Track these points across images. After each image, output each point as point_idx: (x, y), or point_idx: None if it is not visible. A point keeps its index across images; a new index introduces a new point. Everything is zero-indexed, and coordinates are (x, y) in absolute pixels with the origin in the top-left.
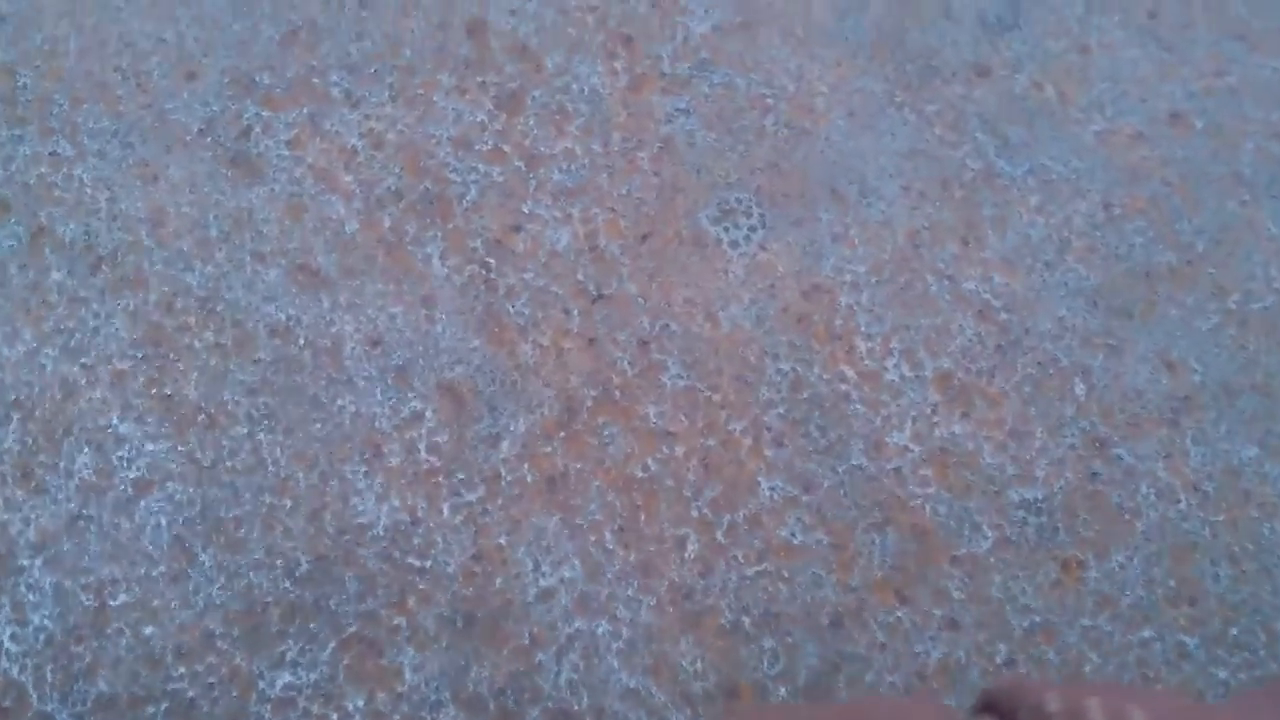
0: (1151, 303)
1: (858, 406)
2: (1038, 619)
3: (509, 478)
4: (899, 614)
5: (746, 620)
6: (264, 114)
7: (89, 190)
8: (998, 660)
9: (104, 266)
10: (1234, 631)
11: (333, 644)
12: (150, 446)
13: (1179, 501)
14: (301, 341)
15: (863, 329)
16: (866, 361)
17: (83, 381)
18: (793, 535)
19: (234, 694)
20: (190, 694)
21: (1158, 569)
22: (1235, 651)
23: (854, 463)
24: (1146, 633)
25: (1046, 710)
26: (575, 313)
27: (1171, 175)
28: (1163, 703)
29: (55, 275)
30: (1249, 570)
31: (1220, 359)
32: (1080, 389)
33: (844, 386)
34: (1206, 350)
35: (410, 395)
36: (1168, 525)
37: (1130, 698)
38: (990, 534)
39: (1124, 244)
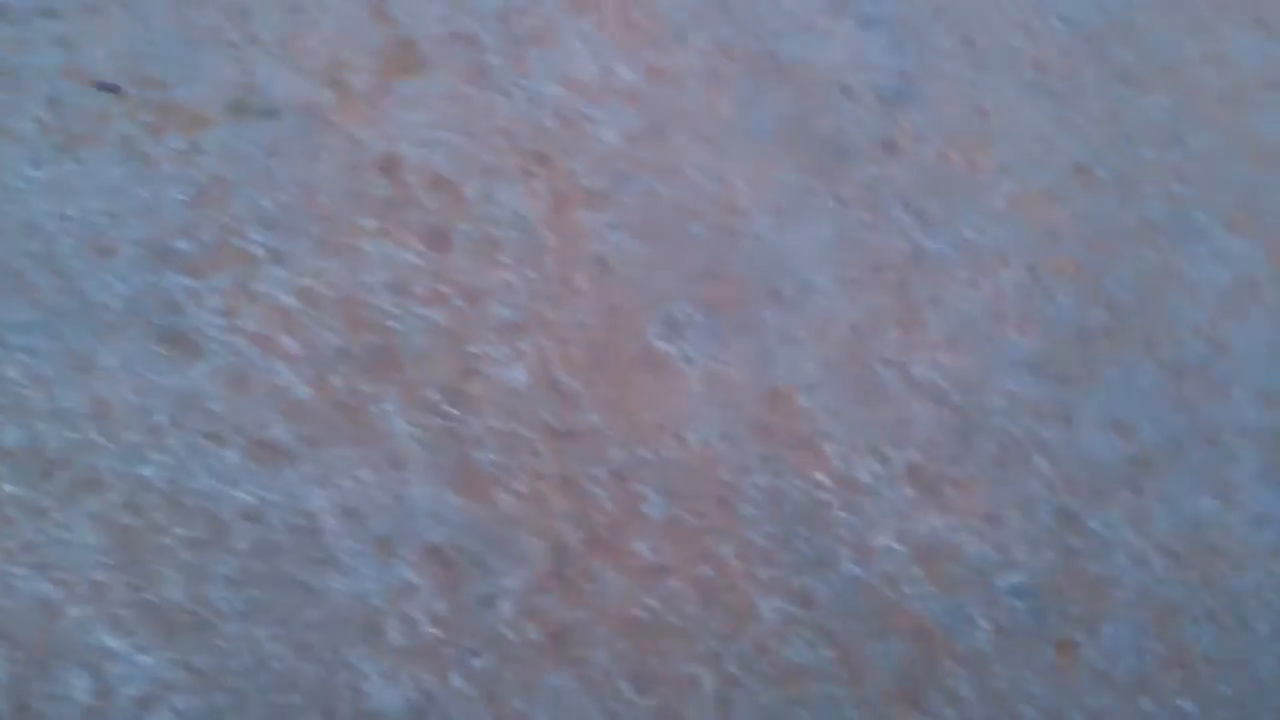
0: (1090, 367)
1: (838, 513)
2: (1044, 705)
3: (514, 639)
4: None
5: None
6: (188, 283)
7: (24, 391)
8: None
9: (55, 471)
10: (1225, 689)
11: None
12: (144, 659)
13: (1152, 566)
14: (276, 522)
15: (827, 430)
16: (837, 464)
17: (60, 598)
18: (798, 656)
19: None
20: None
21: (1146, 637)
22: (1230, 709)
23: (845, 572)
24: (1145, 704)
25: None
26: (545, 453)
27: (1086, 230)
28: None
29: (7, 488)
30: (1228, 625)
31: (1165, 414)
32: (1042, 463)
33: (821, 494)
34: (1150, 406)
35: (398, 565)
36: (1147, 591)
37: None
38: (986, 625)
39: (1054, 307)
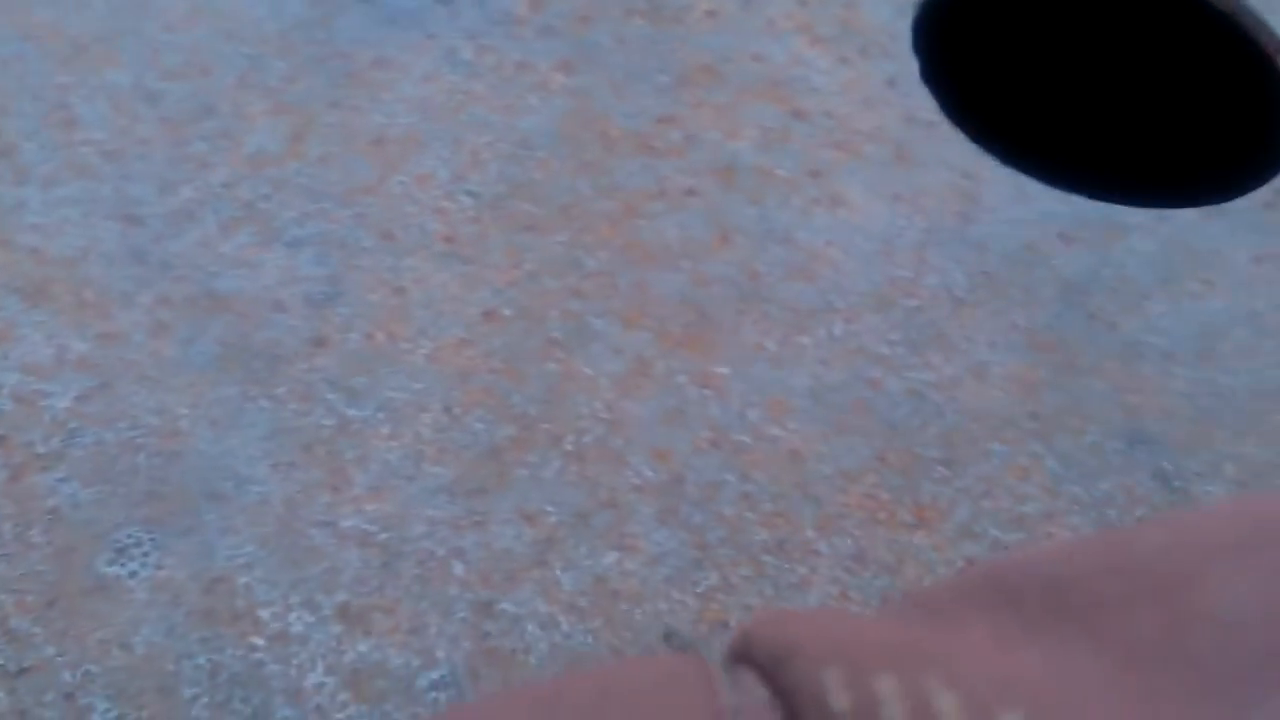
0: (502, 473)
1: (273, 667)
2: None
3: None
4: None
5: None
6: None
7: None
8: None
9: None
10: None
11: None
12: None
13: (560, 625)
14: None
15: (263, 598)
16: (273, 625)
17: None
18: None
19: None
20: None
21: None
22: None
23: (280, 717)
24: None
25: (832, 708)
26: (1, 696)
27: (496, 363)
28: (970, 667)
29: None
30: (621, 654)
31: (569, 494)
32: (460, 569)
33: (257, 655)
34: (556, 492)
35: None
36: (557, 649)
37: (930, 666)
38: None
39: (468, 434)
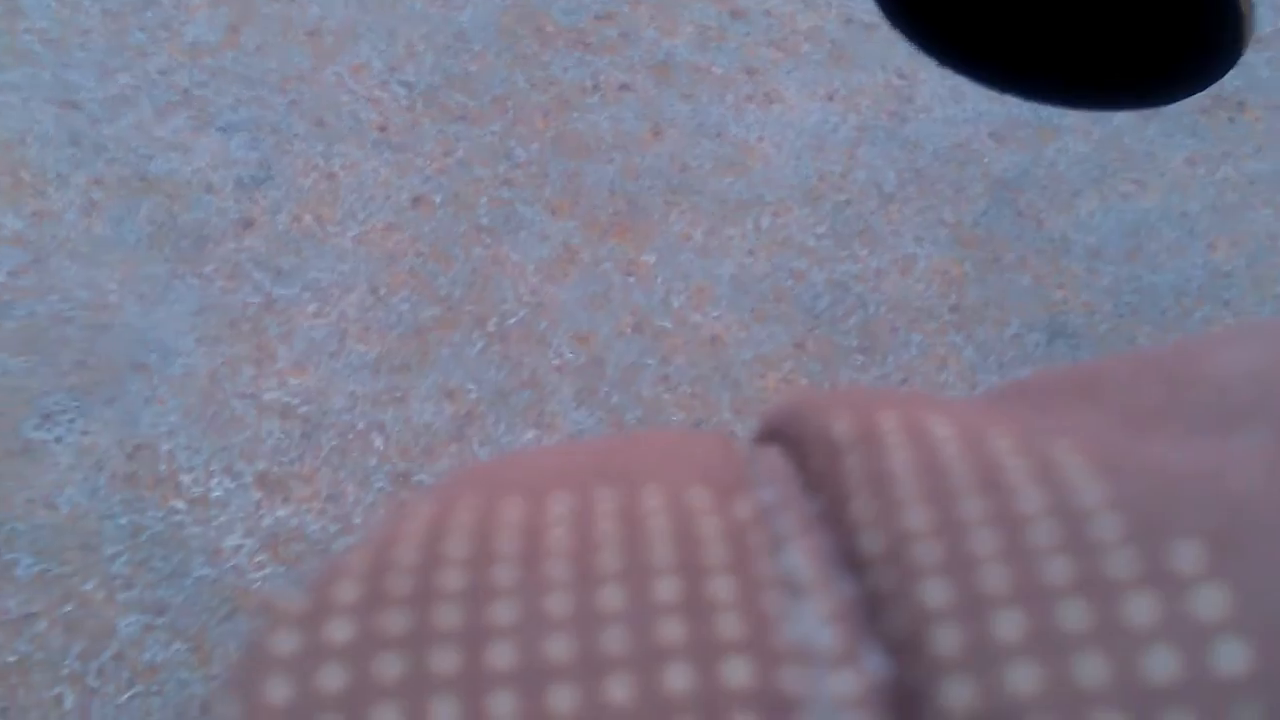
0: (425, 352)
1: (193, 529)
2: None
3: None
4: None
5: None
6: None
7: None
8: None
9: None
10: None
11: None
12: None
13: None
14: None
15: (185, 465)
16: (193, 489)
17: None
18: (154, 656)
19: None
20: None
21: None
22: None
23: (197, 575)
24: None
25: (833, 436)
26: None
27: (423, 247)
28: (962, 408)
29: None
30: None
31: (490, 373)
32: (379, 442)
33: (177, 517)
34: (478, 371)
35: None
36: None
37: (929, 406)
38: None
39: (393, 315)
